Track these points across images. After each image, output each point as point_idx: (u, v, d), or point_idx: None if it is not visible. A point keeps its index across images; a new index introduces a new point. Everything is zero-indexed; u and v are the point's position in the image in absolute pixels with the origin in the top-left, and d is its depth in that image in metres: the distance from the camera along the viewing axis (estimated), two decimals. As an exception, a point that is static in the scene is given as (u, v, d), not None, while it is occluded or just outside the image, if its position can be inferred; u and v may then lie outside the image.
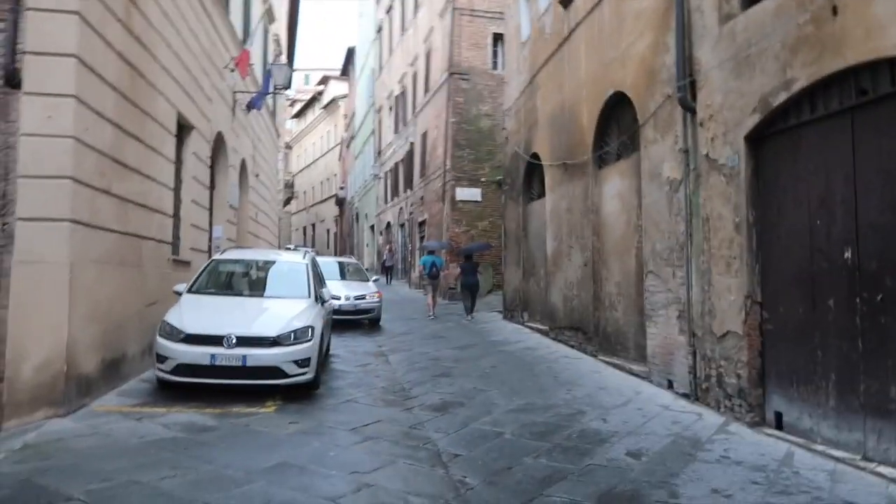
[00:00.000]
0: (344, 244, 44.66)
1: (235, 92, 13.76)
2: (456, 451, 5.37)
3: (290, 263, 9.12)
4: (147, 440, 5.38)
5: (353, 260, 18.73)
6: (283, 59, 21.95)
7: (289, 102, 47.53)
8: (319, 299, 8.32)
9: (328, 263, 14.48)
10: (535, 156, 13.02)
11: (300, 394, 7.11)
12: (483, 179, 21.62)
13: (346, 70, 46.26)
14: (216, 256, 9.14)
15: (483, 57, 22.05)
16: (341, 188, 46.11)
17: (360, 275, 15.80)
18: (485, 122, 21.87)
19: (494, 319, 15.29)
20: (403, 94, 29.10)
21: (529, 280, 13.79)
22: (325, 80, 51.22)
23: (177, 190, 9.78)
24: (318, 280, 9.16)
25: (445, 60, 22.27)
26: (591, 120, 10.04)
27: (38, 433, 5.49)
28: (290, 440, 5.52)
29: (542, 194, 12.86)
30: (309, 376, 7.11)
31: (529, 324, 13.47)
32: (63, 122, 5.99)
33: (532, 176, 13.73)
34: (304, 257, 9.29)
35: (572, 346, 10.59)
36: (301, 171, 56.75)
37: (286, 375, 6.89)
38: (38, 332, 5.94)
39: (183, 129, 10.03)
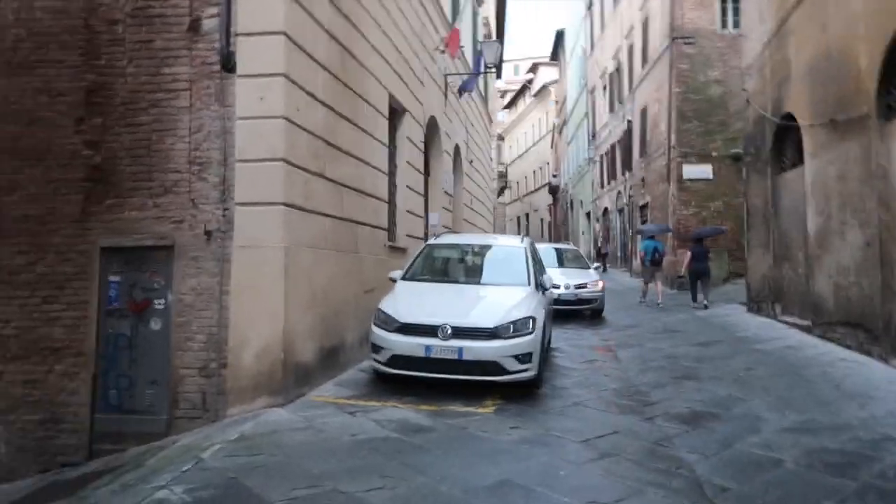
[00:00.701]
0: (558, 233, 43.68)
1: (447, 75, 13.44)
2: (722, 482, 4.16)
3: (507, 248, 8.37)
4: (359, 439, 4.92)
5: (571, 246, 17.65)
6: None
7: (499, 94, 47.65)
8: (540, 287, 7.46)
9: (545, 250, 13.60)
10: (788, 116, 10.92)
11: (521, 393, 6.31)
12: (714, 154, 19.25)
13: (556, 54, 45.09)
14: (430, 241, 8.70)
15: (710, 16, 19.62)
16: (554, 176, 45.14)
17: (579, 262, 14.70)
18: (714, 89, 19.44)
19: (736, 312, 13.31)
20: (618, 70, 27.29)
21: (782, 266, 11.68)
22: (534, 68, 50.54)
23: (391, 175, 9.55)
24: (538, 266, 8.32)
25: (666, 25, 20.21)
26: (873, 62, 7.95)
27: (254, 423, 5.31)
28: (513, 450, 4.71)
29: (797, 162, 10.74)
30: (531, 373, 6.28)
31: (784, 318, 11.39)
32: (274, 102, 5.78)
33: (783, 142, 11.58)
34: (521, 241, 8.51)
35: (849, 347, 8.55)
36: (513, 161, 56.80)
37: (505, 372, 6.13)
38: (257, 319, 5.82)
39: (395, 113, 9.78)
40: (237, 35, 5.78)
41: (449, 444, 4.83)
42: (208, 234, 5.83)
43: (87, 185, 6.02)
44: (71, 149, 6.02)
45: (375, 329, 6.58)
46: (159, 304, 6.00)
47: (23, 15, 6.00)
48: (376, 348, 6.54)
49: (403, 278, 7.48)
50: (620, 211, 27.31)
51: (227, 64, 5.76)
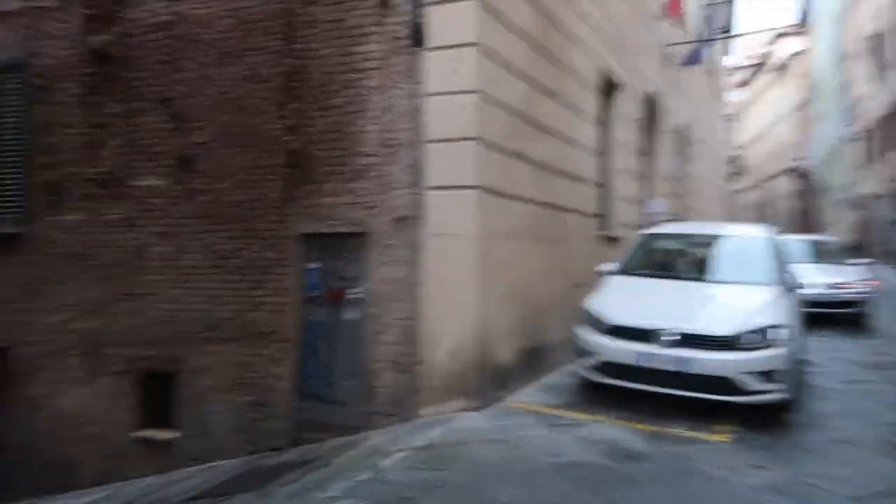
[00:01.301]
0: (805, 222, 38.56)
1: (668, 45, 12.01)
2: None
3: (747, 239, 6.96)
4: (559, 462, 4.16)
5: (828, 238, 14.98)
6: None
7: (732, 70, 43.25)
8: (788, 287, 6.05)
9: (794, 242, 11.55)
10: None
11: (765, 418, 5.06)
12: None
13: (801, 21, 39.70)
14: (650, 230, 7.59)
15: None
16: (799, 159, 39.91)
17: (838, 255, 12.30)
18: None
19: None
20: (880, 33, 22.99)
21: None
22: (773, 41, 45.11)
23: (603, 157, 8.58)
24: (785, 262, 6.83)
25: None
26: None
27: (445, 430, 4.80)
28: (757, 501, 3.62)
29: None
30: (779, 396, 5.01)
31: None
32: (466, 75, 5.21)
33: None
34: (764, 231, 7.06)
35: None
36: (749, 144, 51.46)
37: (744, 391, 4.93)
38: (450, 314, 5.32)
39: (607, 87, 8.77)
40: (427, 5, 5.29)
41: (669, 480, 3.88)
42: (400, 220, 5.44)
43: (287, 171, 5.96)
44: (274, 134, 6.01)
45: (581, 330, 5.75)
46: (355, 293, 5.75)
47: (231, 4, 6.10)
48: (582, 352, 5.71)
49: (616, 272, 6.53)
50: (890, 196, 23.05)
51: (417, 37, 5.30)
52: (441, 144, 5.26)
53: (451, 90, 5.21)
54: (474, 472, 3.95)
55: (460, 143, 5.20)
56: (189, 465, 6.15)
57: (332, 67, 5.67)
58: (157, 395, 6.47)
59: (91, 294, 6.75)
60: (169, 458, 6.29)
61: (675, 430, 4.79)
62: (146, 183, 6.56)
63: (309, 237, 5.90)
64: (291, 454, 5.59)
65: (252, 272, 6.09)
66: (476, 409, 5.26)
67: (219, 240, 6.23)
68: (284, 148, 5.98)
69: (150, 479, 6.13)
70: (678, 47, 12.60)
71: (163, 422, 6.41)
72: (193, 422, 6.23)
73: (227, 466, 5.80)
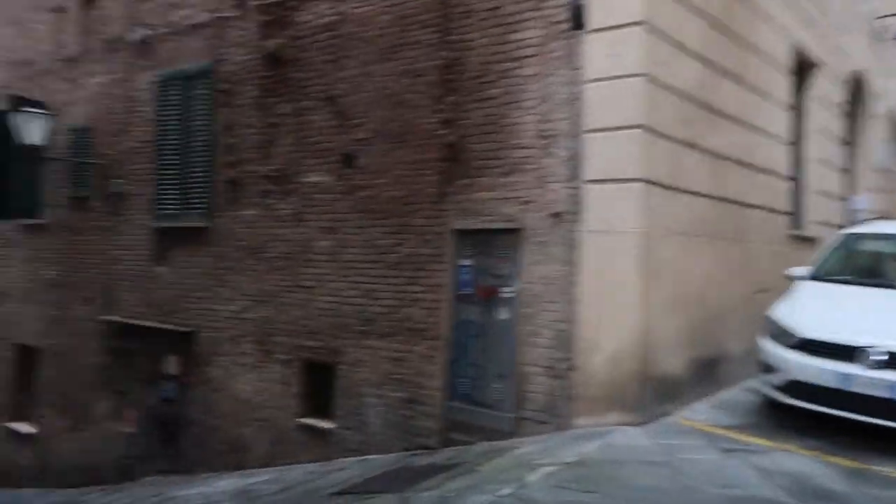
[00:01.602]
0: None
1: (879, 18, 10.40)
2: None
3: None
4: (731, 495, 3.61)
5: None
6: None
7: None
8: None
9: None
10: None
11: None
12: None
13: None
14: (852, 229, 6.53)
15: None
16: None
17: None
18: None
19: None
20: None
21: None
22: None
23: (796, 146, 7.57)
24: None
25: None
26: None
27: (599, 445, 4.41)
28: None
29: None
30: None
31: None
32: (630, 57, 4.74)
33: None
34: None
35: None
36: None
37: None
38: (609, 318, 4.90)
39: (801, 67, 7.72)
40: (589, -18, 4.90)
41: (874, 532, 3.20)
42: (556, 216, 5.10)
43: (443, 166, 5.85)
44: (428, 128, 5.93)
45: (766, 343, 5.04)
46: (507, 291, 5.50)
47: (389, 0, 6.10)
48: (767, 368, 5.01)
49: (810, 277, 5.67)
50: None
51: (577, 19, 4.91)
52: (602, 134, 4.84)
53: (614, 75, 4.78)
54: (629, 499, 3.54)
55: (623, 131, 4.75)
56: (346, 456, 6.28)
57: (487, 57, 5.46)
58: (319, 384, 6.69)
59: (264, 285, 7.14)
60: (328, 446, 6.47)
61: (883, 468, 4.00)
62: (312, 179, 6.80)
63: (462, 233, 5.74)
64: (441, 455, 5.48)
65: (407, 268, 6.07)
66: (637, 424, 4.79)
67: (377, 235, 6.28)
68: (440, 142, 5.88)
69: (311, 466, 6.34)
70: (891, 20, 10.90)
71: (323, 411, 6.61)
72: (350, 413, 6.35)
73: (379, 461, 5.82)
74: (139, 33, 8.61)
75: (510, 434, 5.35)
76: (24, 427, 9.97)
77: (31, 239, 10.16)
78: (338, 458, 6.35)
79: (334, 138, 6.64)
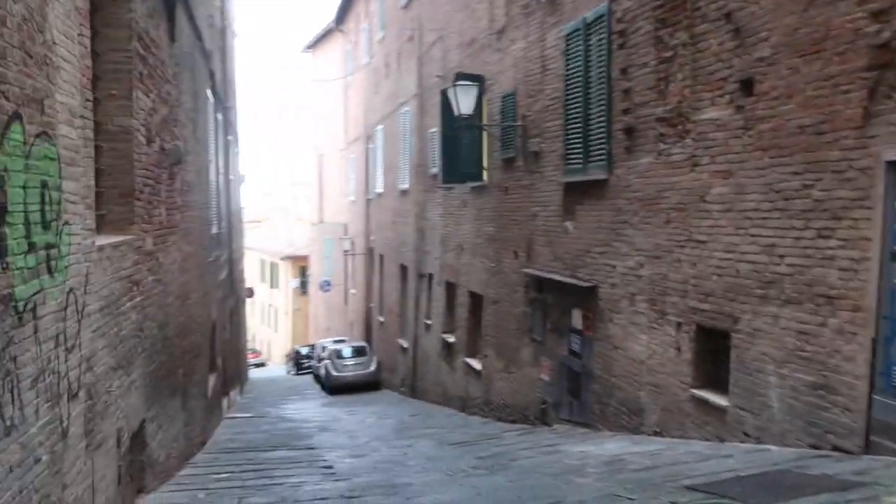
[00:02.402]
0: None
1: None
2: None
3: None
4: None
5: None
6: None
7: None
8: None
9: None
10: None
11: None
12: None
13: None
14: None
15: None
16: None
17: None
18: None
19: None
20: None
21: None
22: None
23: None
24: None
25: None
26: None
27: None
28: None
29: None
30: None
31: None
32: None
33: None
34: None
35: None
36: None
37: None
38: None
39: None
40: None
41: None
42: None
43: (870, 76, 4.28)
44: (850, 28, 4.40)
45: None
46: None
47: None
48: None
49: None
50: None
51: None
52: None
53: None
54: None
55: None
56: (741, 441, 5.32)
57: None
58: (712, 353, 5.81)
59: (657, 239, 6.53)
60: (722, 425, 5.59)
61: None
62: (707, 116, 5.85)
63: (897, 166, 4.13)
64: (850, 465, 4.15)
65: (818, 216, 4.70)
66: None
67: (780, 176, 5.03)
68: (867, 44, 4.31)
69: (697, 446, 5.59)
70: None
71: (718, 384, 5.72)
72: (747, 391, 5.33)
73: (773, 456, 4.76)
74: (548, -9, 8.71)
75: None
76: (475, 363, 11.48)
77: (477, 199, 11.48)
78: (731, 440, 5.43)
79: (732, 63, 5.54)
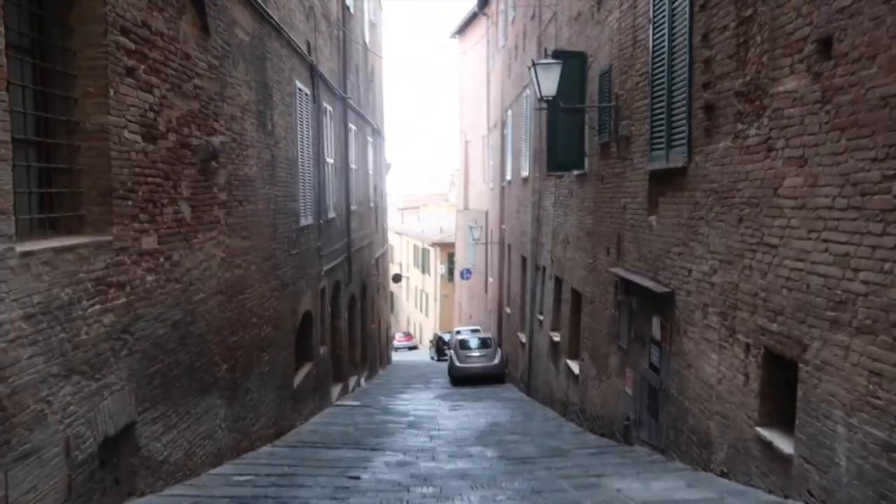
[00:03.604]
0: None
1: None
2: None
3: None
4: None
5: None
6: None
7: None
8: None
9: None
10: None
11: None
12: None
13: None
14: None
15: None
16: None
17: None
18: None
19: None
20: None
21: None
22: None
23: None
24: None
25: None
26: None
27: None
28: None
29: None
30: None
31: None
32: None
33: None
34: None
35: None
36: None
37: None
38: None
39: None
40: None
41: None
42: None
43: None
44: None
45: None
46: None
47: None
48: None
49: None
50: None
51: None
52: None
53: None
54: None
55: None
56: (805, 500, 4.17)
57: None
58: (781, 385, 4.63)
59: (729, 241, 5.39)
60: (785, 477, 4.45)
61: None
62: (784, 88, 4.64)
63: None
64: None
65: (900, 218, 3.46)
66: None
67: (858, 164, 3.81)
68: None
69: (760, 497, 4.49)
70: None
71: (786, 424, 4.56)
72: (813, 440, 4.16)
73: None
74: (638, -50, 7.60)
75: None
76: (574, 366, 10.60)
77: (580, 188, 10.53)
78: (795, 498, 4.29)
79: (811, 17, 4.32)
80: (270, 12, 8.46)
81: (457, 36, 29.04)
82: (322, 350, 12.09)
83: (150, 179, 5.16)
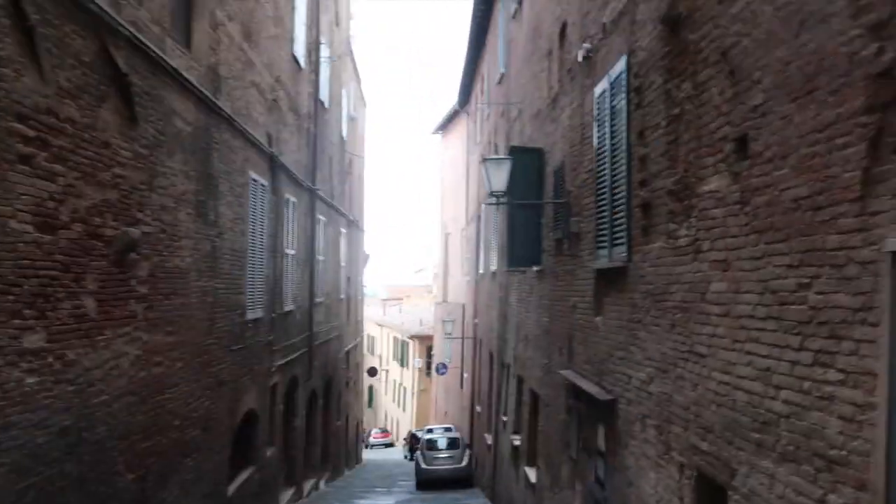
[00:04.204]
0: None
1: None
2: None
3: None
4: None
5: None
6: None
7: None
8: None
9: None
10: None
11: None
12: None
13: None
14: None
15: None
16: None
17: None
18: None
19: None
20: None
21: None
22: None
23: None
24: None
25: None
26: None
27: None
28: None
29: None
30: None
31: None
32: None
33: None
34: None
35: None
36: None
37: None
38: None
39: None
40: None
41: None
42: None
43: (871, 122, 2.80)
44: (845, 52, 2.96)
45: None
46: None
47: None
48: None
49: None
50: None
51: None
52: None
53: None
54: None
55: None
56: None
57: None
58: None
59: (663, 346, 5.02)
60: None
61: None
62: (708, 188, 4.42)
63: (901, 260, 2.56)
64: None
65: (816, 333, 3.13)
66: None
67: (775, 270, 3.51)
68: (864, 74, 2.85)
69: None
70: None
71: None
72: (746, 583, 3.63)
73: None
74: (583, 49, 7.64)
75: None
76: (532, 474, 9.94)
77: (538, 284, 10.23)
78: None
79: (730, 115, 4.15)
80: (221, 104, 8.39)
81: (440, 132, 29.65)
82: (269, 452, 11.37)
83: (41, 272, 4.80)
